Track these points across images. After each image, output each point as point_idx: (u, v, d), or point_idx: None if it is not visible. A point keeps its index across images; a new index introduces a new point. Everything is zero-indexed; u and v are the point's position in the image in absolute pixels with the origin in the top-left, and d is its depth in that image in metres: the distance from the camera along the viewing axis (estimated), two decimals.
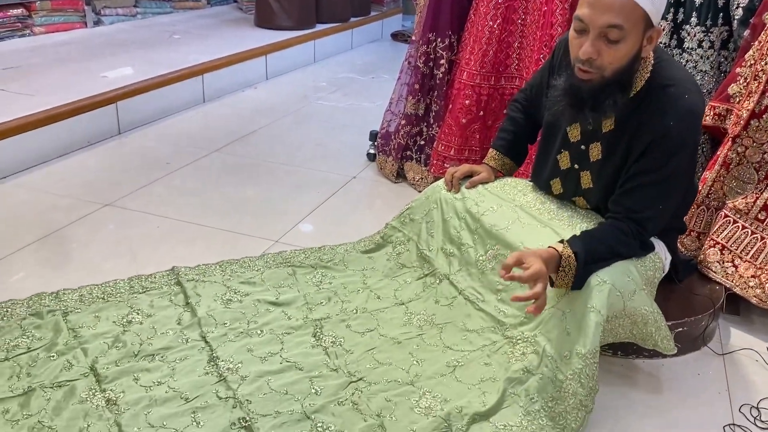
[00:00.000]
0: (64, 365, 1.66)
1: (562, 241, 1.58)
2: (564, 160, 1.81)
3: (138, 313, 1.87)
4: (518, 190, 1.96)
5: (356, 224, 2.50)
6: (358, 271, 2.13)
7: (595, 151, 1.73)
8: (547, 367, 1.59)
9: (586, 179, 1.77)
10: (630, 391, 1.73)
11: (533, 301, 1.50)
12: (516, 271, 1.52)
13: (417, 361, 1.75)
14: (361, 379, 1.68)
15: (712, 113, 2.17)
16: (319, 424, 1.52)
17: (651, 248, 1.69)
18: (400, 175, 2.98)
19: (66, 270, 2.11)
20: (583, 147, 1.75)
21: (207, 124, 3.62)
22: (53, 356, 1.69)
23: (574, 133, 1.76)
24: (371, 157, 3.16)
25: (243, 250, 2.25)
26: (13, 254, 2.20)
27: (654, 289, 1.73)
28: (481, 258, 1.89)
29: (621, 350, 1.82)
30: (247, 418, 1.52)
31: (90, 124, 3.19)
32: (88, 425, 1.49)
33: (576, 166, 1.79)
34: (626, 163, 1.65)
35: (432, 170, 2.78)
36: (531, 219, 1.82)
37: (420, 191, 2.57)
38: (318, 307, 1.96)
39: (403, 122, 2.88)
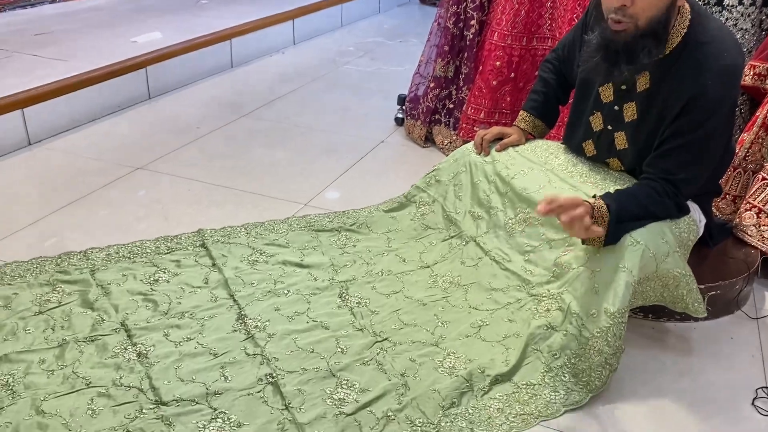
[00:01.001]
0: (96, 320, 1.70)
1: (594, 197, 1.56)
2: (597, 122, 1.78)
3: (164, 273, 1.90)
4: (550, 152, 1.93)
5: (384, 189, 2.49)
6: (382, 234, 2.13)
7: (630, 111, 1.69)
8: (572, 324, 1.58)
9: (620, 140, 1.74)
10: (660, 353, 1.71)
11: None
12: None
13: (442, 323, 1.75)
14: (386, 339, 1.69)
15: (752, 73, 2.10)
16: (344, 382, 1.54)
17: (686, 211, 1.65)
18: (428, 140, 2.95)
19: (100, 231, 2.15)
20: (616, 107, 1.71)
21: (235, 89, 3.63)
22: (85, 312, 1.73)
23: (607, 93, 1.72)
24: (399, 122, 3.14)
25: (272, 214, 2.27)
26: (49, 215, 2.25)
27: (687, 252, 1.70)
28: (510, 221, 1.87)
29: (652, 313, 1.80)
30: (274, 374, 1.54)
31: (121, 88, 3.21)
32: (121, 377, 1.53)
33: (609, 127, 1.75)
34: (662, 123, 1.61)
35: (461, 134, 2.75)
36: (562, 182, 1.80)
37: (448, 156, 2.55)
38: (343, 269, 1.97)
39: (431, 85, 2.85)
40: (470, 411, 1.48)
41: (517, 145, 1.97)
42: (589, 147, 1.83)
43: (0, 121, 2.67)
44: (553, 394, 1.52)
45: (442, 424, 1.44)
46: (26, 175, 2.55)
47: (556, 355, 1.57)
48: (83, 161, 2.67)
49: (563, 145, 1.94)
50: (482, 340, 1.68)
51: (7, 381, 1.50)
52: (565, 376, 1.55)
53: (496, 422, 1.45)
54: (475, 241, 1.95)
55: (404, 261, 2.00)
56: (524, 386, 1.53)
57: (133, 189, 2.47)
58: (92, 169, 2.60)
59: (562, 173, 1.82)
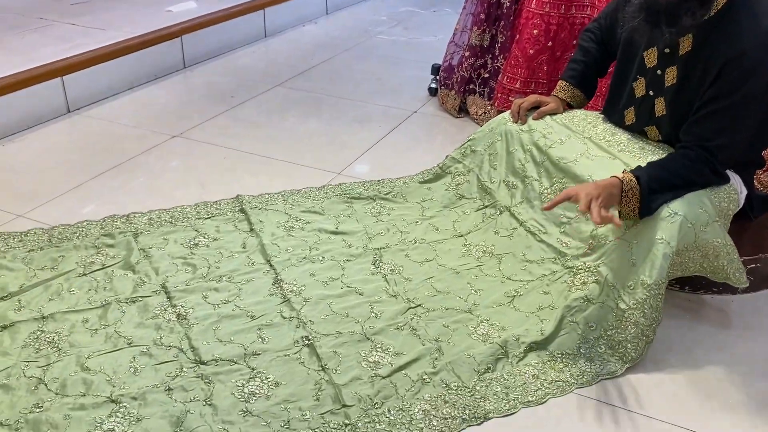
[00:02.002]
0: (137, 282, 1.74)
1: (623, 172, 1.55)
2: (639, 87, 1.75)
3: (204, 237, 1.94)
4: (587, 122, 1.90)
5: (417, 159, 2.49)
6: (416, 204, 2.14)
7: (671, 76, 1.65)
8: (609, 296, 1.57)
9: (659, 106, 1.71)
10: (697, 325, 1.70)
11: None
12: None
13: (475, 291, 1.76)
14: (419, 305, 1.70)
15: None
16: (379, 345, 1.56)
17: (725, 178, 1.62)
18: (462, 110, 2.93)
19: (138, 197, 2.19)
20: (659, 72, 1.68)
21: (269, 58, 3.64)
22: (127, 274, 1.78)
23: (651, 57, 1.69)
24: (433, 92, 3.12)
25: (306, 182, 2.28)
26: (89, 181, 2.29)
27: (728, 221, 1.68)
28: (546, 191, 1.86)
29: (689, 285, 1.78)
30: (310, 337, 1.57)
31: (157, 57, 3.24)
32: (161, 337, 1.57)
33: (651, 92, 1.72)
34: (700, 88, 1.57)
35: (496, 104, 2.73)
36: (600, 151, 1.77)
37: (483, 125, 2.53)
38: (377, 237, 1.98)
39: (467, 54, 2.82)
40: (505, 376, 1.49)
41: (555, 113, 1.95)
42: (630, 114, 1.80)
43: (41, 89, 2.72)
44: (588, 363, 1.52)
45: (477, 388, 1.46)
46: (66, 142, 2.60)
47: (592, 327, 1.56)
48: (121, 128, 2.72)
49: (601, 115, 1.92)
50: (516, 310, 1.68)
51: (53, 339, 1.56)
52: (600, 348, 1.55)
53: (531, 388, 1.47)
54: (509, 211, 1.94)
55: (438, 230, 2.01)
56: (560, 355, 1.54)
57: (170, 156, 2.51)
58: (130, 136, 2.64)
59: (600, 142, 1.80)
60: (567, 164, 1.80)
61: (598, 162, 1.74)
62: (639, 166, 1.57)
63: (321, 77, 3.38)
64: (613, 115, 1.86)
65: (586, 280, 1.64)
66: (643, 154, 1.71)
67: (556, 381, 1.48)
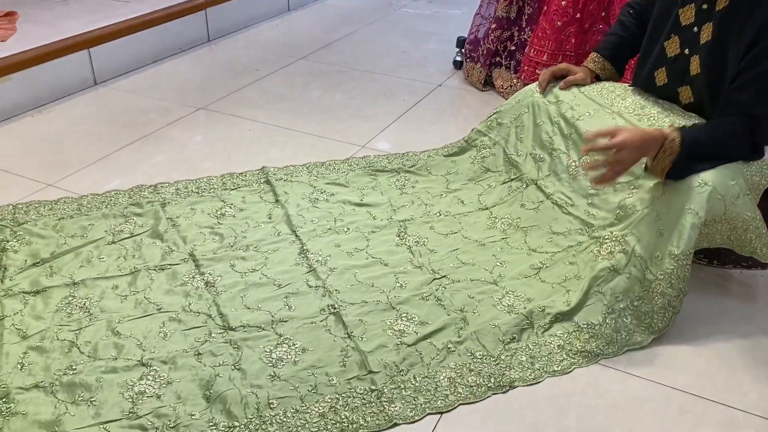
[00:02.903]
0: (165, 251, 1.77)
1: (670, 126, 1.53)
2: (672, 46, 1.70)
3: (230, 207, 1.96)
4: (616, 94, 1.87)
5: (441, 133, 2.48)
6: (440, 176, 2.13)
7: (706, 33, 1.61)
8: (636, 267, 1.56)
9: (694, 65, 1.66)
10: (723, 298, 1.68)
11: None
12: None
13: (500, 263, 1.76)
14: (444, 276, 1.71)
15: None
16: (404, 314, 1.58)
17: (761, 153, 1.59)
18: (487, 83, 2.90)
19: (164, 168, 2.21)
20: (695, 29, 1.64)
21: (292, 32, 3.63)
22: (155, 242, 1.80)
23: (688, 15, 1.65)
24: (458, 65, 3.09)
25: (330, 155, 2.29)
26: (115, 152, 2.32)
27: (758, 196, 1.65)
28: (573, 164, 1.85)
29: (717, 259, 1.76)
30: (336, 306, 1.59)
31: (181, 30, 3.25)
32: (190, 304, 1.60)
33: (686, 51, 1.67)
34: (737, 48, 1.53)
35: (522, 77, 2.70)
36: (629, 125, 1.75)
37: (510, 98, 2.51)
38: (401, 209, 1.98)
39: (493, 26, 2.79)
40: (530, 346, 1.49)
41: (582, 84, 1.92)
42: (661, 75, 1.76)
43: (68, 61, 2.75)
44: (614, 334, 1.52)
45: (503, 357, 1.47)
46: (93, 114, 2.63)
47: (618, 297, 1.56)
48: (146, 101, 2.73)
49: (631, 87, 1.89)
50: (542, 282, 1.68)
51: (84, 304, 1.59)
52: (627, 318, 1.54)
53: (556, 358, 1.47)
54: (536, 184, 1.93)
55: (463, 203, 2.00)
56: (585, 326, 1.53)
57: (195, 128, 2.52)
58: (156, 109, 2.66)
59: (629, 116, 1.77)
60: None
61: None
62: (685, 127, 1.54)
63: (344, 50, 3.37)
64: (641, 77, 1.83)
65: (612, 250, 1.63)
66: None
67: (581, 351, 1.49)
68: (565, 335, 1.52)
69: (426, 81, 2.99)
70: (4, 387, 1.37)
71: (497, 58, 2.83)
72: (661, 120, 1.73)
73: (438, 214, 1.96)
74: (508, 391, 1.40)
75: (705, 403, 1.39)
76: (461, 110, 2.78)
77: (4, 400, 1.34)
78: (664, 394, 1.41)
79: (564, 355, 1.48)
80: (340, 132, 2.50)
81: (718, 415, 1.37)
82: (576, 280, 1.65)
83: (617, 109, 1.81)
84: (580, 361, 1.47)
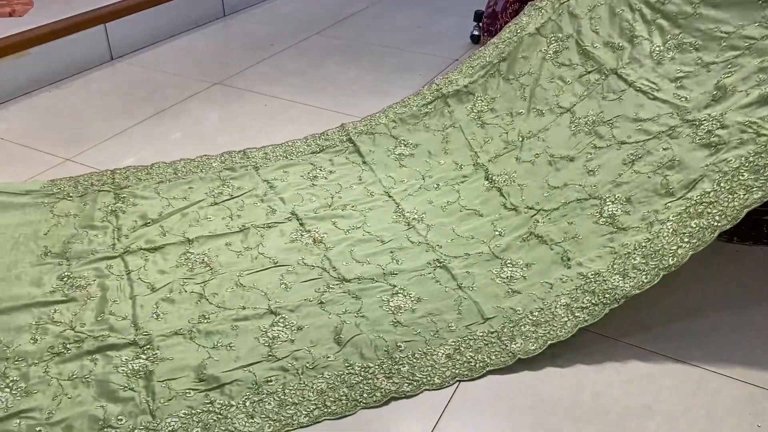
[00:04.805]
0: (268, 210, 1.84)
1: None
2: None
3: (321, 170, 2.02)
4: None
5: None
6: (513, 81, 2.08)
7: None
8: (745, 133, 1.51)
9: None
10: (742, 275, 1.68)
11: None
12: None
13: (591, 171, 1.72)
14: (539, 211, 1.72)
15: None
16: (508, 261, 1.64)
17: None
18: None
19: (183, 141, 2.22)
20: None
21: (308, 7, 3.61)
22: (256, 203, 1.87)
23: None
24: (475, 39, 3.07)
25: None
26: (135, 126, 2.33)
27: None
28: (657, 49, 1.81)
29: (737, 236, 1.75)
30: (441, 260, 1.67)
31: (197, 5, 3.25)
32: (303, 258, 1.68)
33: None
34: None
35: None
36: None
37: None
38: (484, 148, 1.98)
39: (511, 0, 2.74)
40: (644, 244, 1.49)
41: None
42: None
43: (85, 36, 2.75)
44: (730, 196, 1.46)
45: (616, 268, 1.50)
46: (110, 88, 2.63)
47: (729, 161, 1.50)
48: (163, 76, 2.74)
49: None
50: (637, 173, 1.64)
51: (203, 260, 1.66)
52: (743, 175, 1.46)
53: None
54: (616, 73, 1.87)
55: (542, 114, 1.94)
56: (699, 197, 1.49)
57: (211, 103, 2.53)
58: (172, 83, 2.67)
59: None
60: (687, 19, 1.74)
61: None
62: None
63: (360, 25, 3.35)
64: None
65: (711, 128, 1.58)
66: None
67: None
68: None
69: (443, 56, 2.98)
70: (146, 334, 1.44)
71: None
72: None
73: (518, 140, 1.92)
74: (623, 302, 1.44)
75: (722, 379, 1.39)
76: None
77: (148, 346, 1.42)
78: (680, 370, 1.41)
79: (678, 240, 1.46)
80: (357, 107, 2.48)
81: (735, 392, 1.36)
82: (676, 163, 1.59)
83: None
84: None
